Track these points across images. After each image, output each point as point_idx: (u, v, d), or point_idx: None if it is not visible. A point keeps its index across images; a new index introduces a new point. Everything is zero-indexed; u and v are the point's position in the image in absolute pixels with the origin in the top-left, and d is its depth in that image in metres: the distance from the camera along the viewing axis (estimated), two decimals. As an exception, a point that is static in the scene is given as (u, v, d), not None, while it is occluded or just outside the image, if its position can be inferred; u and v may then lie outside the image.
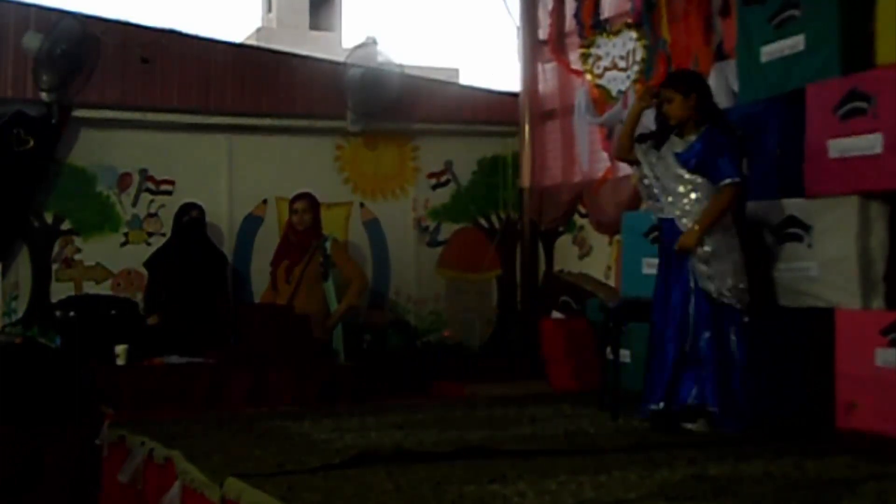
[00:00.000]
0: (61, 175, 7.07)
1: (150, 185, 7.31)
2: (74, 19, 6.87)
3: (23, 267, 6.98)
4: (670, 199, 4.83)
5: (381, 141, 7.78)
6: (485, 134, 8.12)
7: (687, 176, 4.79)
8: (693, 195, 4.78)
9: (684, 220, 4.76)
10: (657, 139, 4.94)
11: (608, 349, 5.32)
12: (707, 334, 4.72)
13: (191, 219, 6.86)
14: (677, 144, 4.86)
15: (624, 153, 5.10)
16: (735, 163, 4.77)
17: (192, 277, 6.70)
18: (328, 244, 6.67)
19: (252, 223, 7.54)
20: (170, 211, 7.23)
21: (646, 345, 4.97)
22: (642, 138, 4.99)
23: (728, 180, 4.70)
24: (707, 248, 4.69)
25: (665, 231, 4.91)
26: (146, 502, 4.45)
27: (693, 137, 4.82)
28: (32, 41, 6.72)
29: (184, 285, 6.66)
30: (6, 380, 5.55)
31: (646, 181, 4.96)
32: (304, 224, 6.75)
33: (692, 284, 4.75)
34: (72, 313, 6.63)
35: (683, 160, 4.80)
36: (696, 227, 4.69)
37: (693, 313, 4.74)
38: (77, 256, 7.12)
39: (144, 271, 7.10)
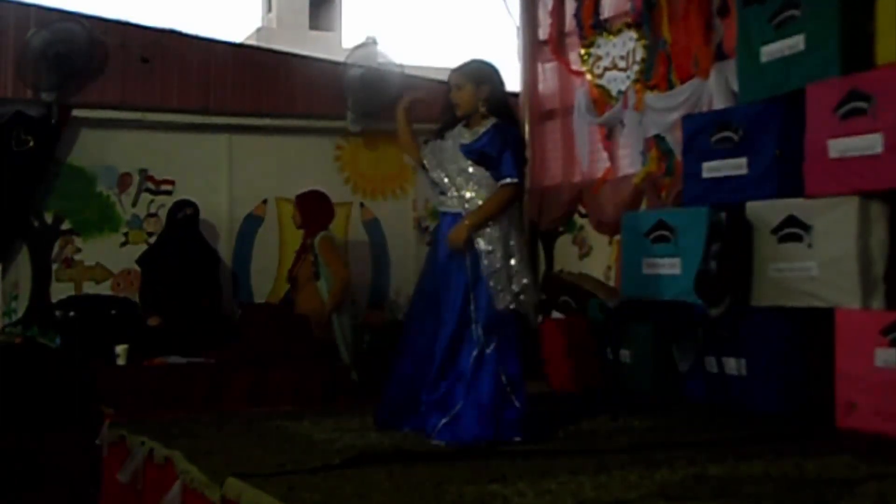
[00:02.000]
0: (61, 175, 7.06)
1: (150, 185, 7.31)
2: (75, 22, 6.86)
3: (23, 267, 6.97)
4: (455, 192, 4.64)
5: (381, 141, 7.78)
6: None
7: (471, 170, 4.61)
8: (476, 190, 4.59)
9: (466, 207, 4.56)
10: (443, 128, 4.77)
11: (608, 349, 5.32)
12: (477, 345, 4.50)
13: (185, 216, 6.86)
14: (464, 135, 4.67)
15: (411, 153, 4.92)
16: (517, 163, 4.58)
17: (187, 275, 6.70)
18: (317, 241, 6.66)
19: (252, 223, 7.55)
20: (170, 211, 7.25)
21: (645, 345, 4.98)
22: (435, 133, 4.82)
23: (508, 180, 4.52)
24: (484, 247, 4.50)
25: (445, 226, 4.66)
26: (146, 502, 4.45)
27: (480, 129, 4.64)
28: (35, 39, 6.73)
29: (179, 283, 6.66)
30: (6, 380, 5.56)
31: (431, 175, 4.76)
32: (297, 224, 6.78)
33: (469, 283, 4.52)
34: (72, 313, 6.64)
35: (467, 152, 4.61)
36: (466, 223, 4.51)
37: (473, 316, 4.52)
38: (77, 256, 7.11)
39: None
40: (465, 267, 4.53)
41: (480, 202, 4.55)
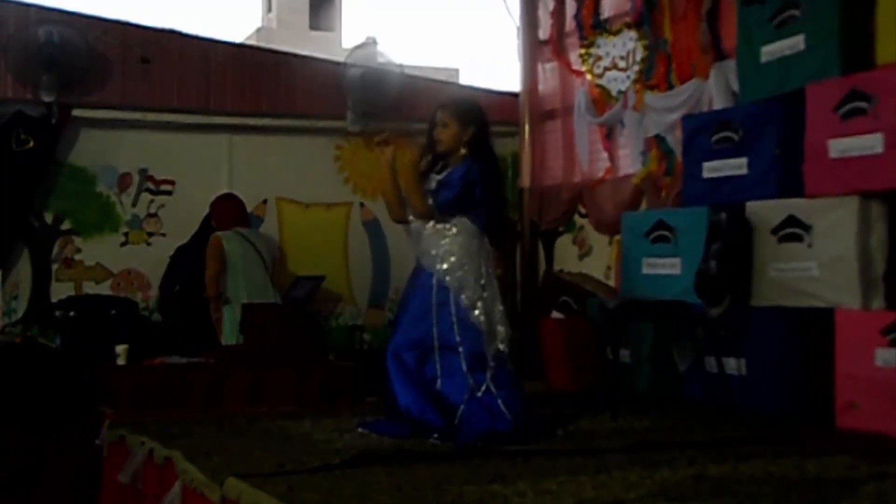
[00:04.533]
0: (61, 175, 7.07)
1: (150, 185, 7.32)
2: (70, 28, 6.85)
3: (23, 267, 6.98)
4: (427, 243, 4.56)
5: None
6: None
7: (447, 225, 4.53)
8: (452, 231, 4.53)
9: (441, 266, 4.50)
10: (428, 169, 4.66)
11: (608, 349, 5.32)
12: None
13: None
14: (435, 178, 4.62)
15: (398, 219, 4.76)
16: (456, 190, 4.49)
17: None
18: None
19: (252, 223, 7.54)
20: (170, 211, 7.25)
21: (645, 345, 4.97)
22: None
23: (437, 200, 4.50)
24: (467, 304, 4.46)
25: (420, 278, 4.61)
26: (146, 502, 4.44)
27: (457, 166, 4.58)
28: (30, 39, 6.73)
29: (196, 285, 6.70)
30: (6, 380, 5.56)
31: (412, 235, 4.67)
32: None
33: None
34: (72, 313, 6.64)
35: (440, 188, 4.55)
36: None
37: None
38: (77, 256, 7.12)
39: (144, 271, 7.14)
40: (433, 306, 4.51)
41: (459, 241, 4.51)
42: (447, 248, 4.54)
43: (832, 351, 4.74)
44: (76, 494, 5.39)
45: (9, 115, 6.80)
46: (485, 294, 4.52)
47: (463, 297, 4.49)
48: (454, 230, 4.57)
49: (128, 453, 4.70)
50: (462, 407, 4.41)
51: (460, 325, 4.49)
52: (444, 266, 4.52)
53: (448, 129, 4.61)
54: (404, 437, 4.43)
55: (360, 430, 4.62)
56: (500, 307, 4.60)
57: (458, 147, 4.61)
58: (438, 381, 4.49)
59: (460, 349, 4.47)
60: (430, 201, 4.57)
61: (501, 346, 4.53)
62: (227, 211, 6.87)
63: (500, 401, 4.42)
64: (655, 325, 5.67)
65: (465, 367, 4.46)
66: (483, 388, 4.43)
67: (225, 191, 7.16)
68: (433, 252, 4.57)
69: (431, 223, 4.58)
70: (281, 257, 7.43)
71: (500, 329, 4.54)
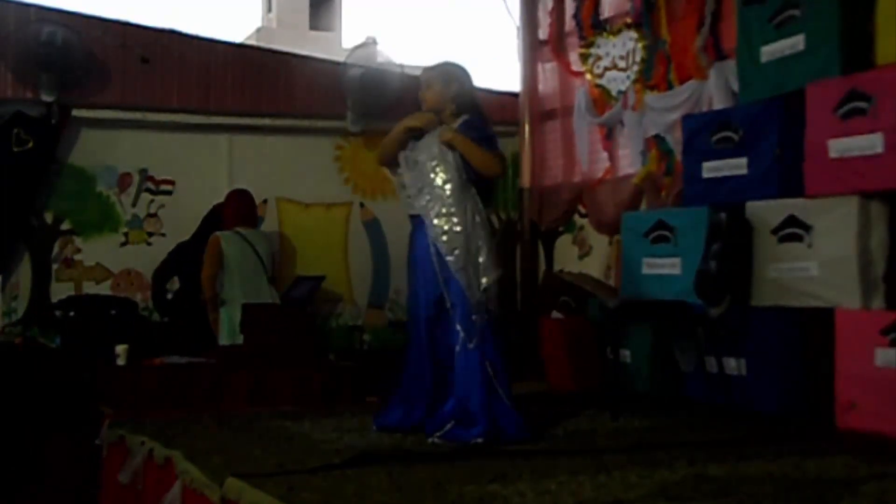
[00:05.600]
0: (61, 175, 7.07)
1: (150, 185, 7.32)
2: (70, 28, 6.85)
3: (23, 267, 6.98)
4: (426, 195, 4.59)
5: (380, 141, 7.74)
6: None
7: (449, 157, 4.56)
8: (442, 175, 4.56)
9: (434, 212, 4.53)
10: (419, 135, 4.71)
11: (608, 349, 5.32)
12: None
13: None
14: (432, 135, 4.65)
15: (387, 160, 4.85)
16: (495, 145, 4.62)
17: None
18: None
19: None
20: (170, 211, 7.25)
21: (645, 345, 4.97)
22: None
23: (497, 151, 4.59)
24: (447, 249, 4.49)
25: (416, 230, 4.68)
26: (146, 502, 4.44)
27: (452, 125, 4.64)
28: (25, 38, 6.73)
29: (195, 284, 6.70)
30: (6, 380, 5.56)
31: (403, 180, 4.71)
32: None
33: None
34: (72, 313, 6.64)
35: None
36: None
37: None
38: (77, 256, 7.12)
39: (144, 271, 7.14)
40: (434, 265, 4.54)
41: (450, 188, 4.53)
42: (439, 193, 4.54)
43: (832, 351, 4.73)
44: (76, 494, 5.39)
45: (9, 115, 6.80)
46: (469, 244, 4.52)
47: (454, 255, 4.49)
48: (446, 175, 4.57)
49: (128, 453, 4.70)
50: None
51: (454, 283, 4.50)
52: (439, 222, 4.51)
53: (431, 88, 4.70)
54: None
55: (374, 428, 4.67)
56: (486, 249, 4.57)
57: (444, 105, 4.67)
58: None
59: (457, 307, 4.50)
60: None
61: (485, 287, 4.50)
62: (237, 208, 6.82)
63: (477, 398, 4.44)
64: (655, 325, 5.67)
65: (458, 327, 4.48)
66: (473, 341, 4.45)
67: (229, 189, 7.15)
68: (426, 194, 4.57)
69: (433, 160, 4.57)
70: (281, 256, 7.44)
71: (483, 280, 4.52)
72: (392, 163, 4.82)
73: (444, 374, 4.58)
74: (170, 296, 7.21)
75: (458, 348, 4.49)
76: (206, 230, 6.94)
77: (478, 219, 4.58)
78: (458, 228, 4.51)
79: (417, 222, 4.66)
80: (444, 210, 4.54)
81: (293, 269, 7.48)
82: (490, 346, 4.50)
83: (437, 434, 4.42)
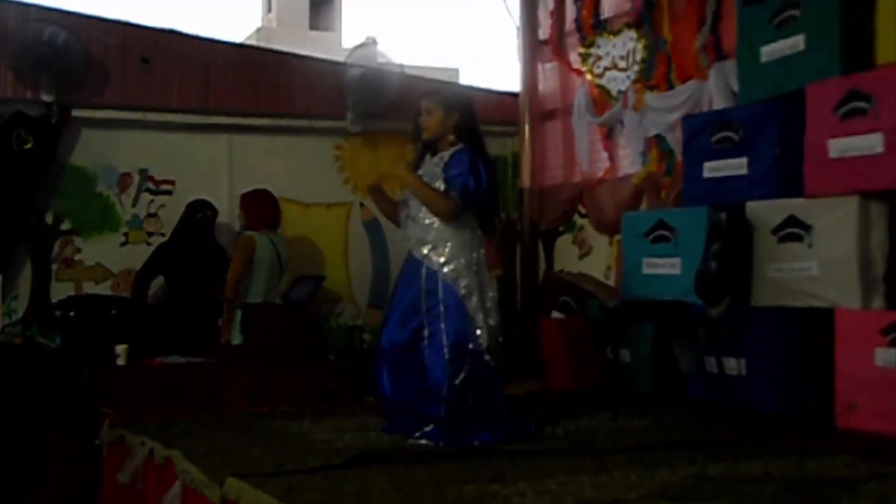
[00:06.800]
0: (61, 175, 7.07)
1: (150, 185, 7.31)
2: (70, 28, 6.85)
3: (23, 267, 6.98)
4: (419, 233, 4.53)
5: (381, 141, 7.77)
6: (485, 134, 8.04)
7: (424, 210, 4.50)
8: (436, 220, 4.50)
9: (437, 259, 4.46)
10: (417, 159, 4.66)
11: (608, 349, 5.32)
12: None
13: (204, 217, 6.87)
14: (429, 164, 4.59)
15: (396, 220, 4.76)
16: (468, 182, 4.43)
17: (201, 275, 6.68)
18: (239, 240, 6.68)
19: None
20: (170, 211, 7.24)
21: (646, 345, 4.97)
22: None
23: (453, 193, 4.43)
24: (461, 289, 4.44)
25: (409, 267, 4.60)
26: (146, 502, 4.45)
27: (446, 155, 4.54)
28: (22, 38, 6.73)
29: (190, 283, 6.67)
30: (6, 380, 5.56)
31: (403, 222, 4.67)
32: (241, 224, 6.83)
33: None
34: (72, 313, 6.63)
35: (451, 179, 4.47)
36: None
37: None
38: (77, 256, 7.12)
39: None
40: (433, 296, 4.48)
41: (446, 236, 4.48)
42: (439, 235, 4.50)
43: (832, 351, 4.74)
44: (76, 494, 5.39)
45: (9, 115, 6.79)
46: (478, 283, 4.49)
47: (461, 288, 4.45)
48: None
49: (128, 453, 4.70)
50: (444, 393, 4.38)
51: (448, 314, 4.45)
52: (441, 259, 4.48)
53: (433, 115, 4.58)
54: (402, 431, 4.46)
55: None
56: (492, 295, 4.58)
57: (444, 133, 4.58)
58: (425, 370, 4.45)
59: (444, 339, 4.43)
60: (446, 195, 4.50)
61: (483, 338, 4.46)
62: (263, 210, 6.75)
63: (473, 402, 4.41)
64: (655, 325, 5.67)
65: (447, 356, 4.41)
66: (461, 377, 4.38)
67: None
68: (427, 240, 4.52)
69: (424, 209, 4.53)
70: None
71: (488, 321, 4.49)
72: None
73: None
74: (149, 299, 7.10)
75: (445, 385, 4.38)
76: (185, 228, 6.90)
77: (481, 260, 4.54)
78: (463, 266, 4.46)
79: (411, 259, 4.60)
80: (447, 250, 4.49)
81: (293, 269, 7.47)
82: (482, 391, 4.44)
83: (418, 434, 4.42)
